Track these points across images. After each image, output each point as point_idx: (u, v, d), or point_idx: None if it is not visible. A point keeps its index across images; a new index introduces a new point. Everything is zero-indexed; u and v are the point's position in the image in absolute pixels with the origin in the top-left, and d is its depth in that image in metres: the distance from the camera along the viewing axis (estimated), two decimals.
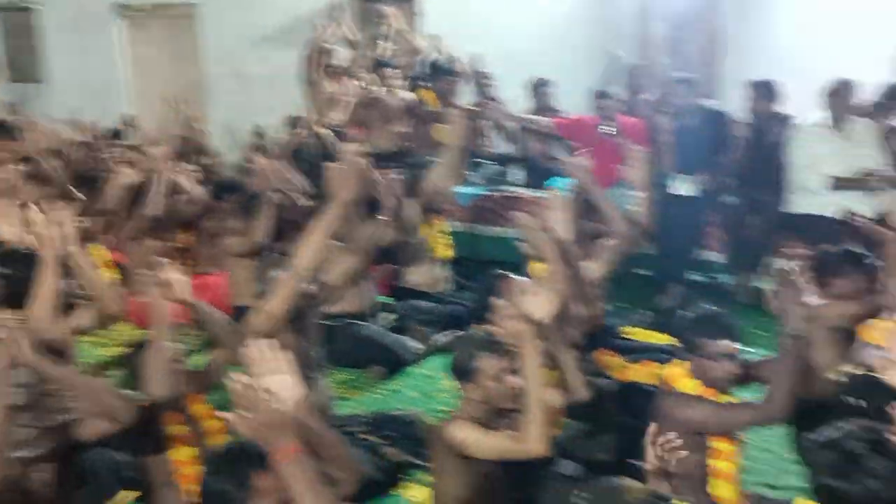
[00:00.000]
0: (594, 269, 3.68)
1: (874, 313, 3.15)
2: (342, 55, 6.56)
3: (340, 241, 4.05)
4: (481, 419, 2.61)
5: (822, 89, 5.00)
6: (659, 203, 5.40)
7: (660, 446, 2.30)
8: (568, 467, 3.08)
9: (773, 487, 3.31)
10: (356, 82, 6.19)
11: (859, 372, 2.48)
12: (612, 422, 3.36)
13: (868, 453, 1.84)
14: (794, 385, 2.64)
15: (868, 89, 5.28)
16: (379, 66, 6.43)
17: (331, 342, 3.90)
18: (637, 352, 4.09)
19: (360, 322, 4.48)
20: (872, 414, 2.28)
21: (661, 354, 3.93)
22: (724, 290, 5.71)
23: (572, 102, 6.40)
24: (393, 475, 3.40)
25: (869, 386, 2.36)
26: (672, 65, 6.57)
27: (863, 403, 2.35)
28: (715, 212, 5.65)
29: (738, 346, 2.76)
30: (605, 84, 6.09)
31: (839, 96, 4.94)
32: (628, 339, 4.43)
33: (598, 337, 4.03)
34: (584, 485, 2.95)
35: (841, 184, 4.89)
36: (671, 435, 2.34)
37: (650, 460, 2.33)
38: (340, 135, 5.60)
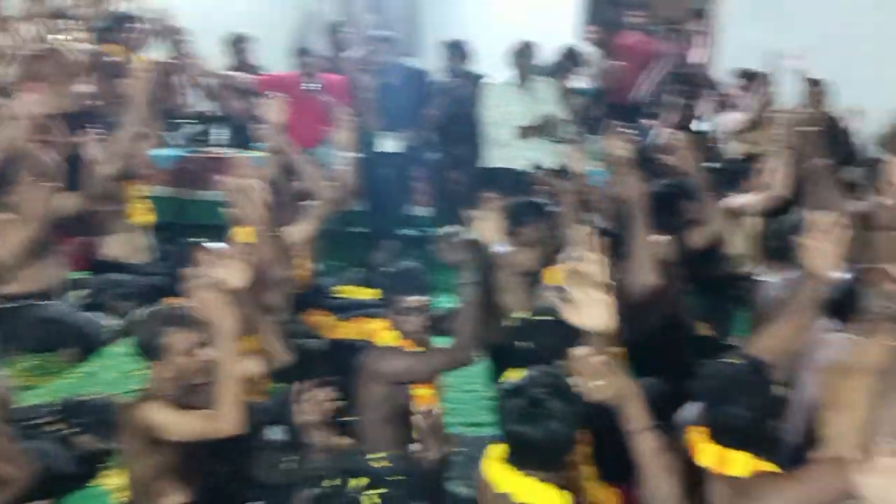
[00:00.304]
0: (298, 231, 3.62)
1: (556, 258, 3.42)
2: (12, 2, 5.82)
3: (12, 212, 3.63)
4: (174, 397, 2.48)
5: (508, 50, 5.31)
6: (366, 160, 5.49)
7: (313, 401, 2.34)
8: (276, 433, 3.04)
9: (474, 426, 3.53)
10: (29, 33, 5.52)
11: (530, 316, 2.67)
12: (322, 382, 3.35)
13: (549, 398, 1.98)
14: (476, 330, 2.79)
15: (548, 51, 5.70)
16: (57, 15, 5.79)
17: (10, 326, 3.51)
18: (348, 309, 4.13)
19: (44, 301, 4.07)
20: (544, 356, 2.48)
21: (371, 310, 4.00)
22: (433, 244, 5.94)
23: (273, 59, 6.24)
24: (89, 465, 3.15)
25: (540, 329, 2.55)
26: (374, 22, 6.63)
27: (532, 346, 2.53)
28: (420, 167, 5.84)
29: (427, 299, 2.86)
30: (307, 41, 6.00)
31: (523, 57, 5.28)
32: (340, 298, 4.46)
33: (309, 297, 4.03)
34: (292, 449, 2.92)
35: (527, 133, 5.26)
36: (322, 390, 2.39)
37: (307, 415, 2.36)
38: (7, 92, 4.97)
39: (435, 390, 2.97)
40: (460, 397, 3.71)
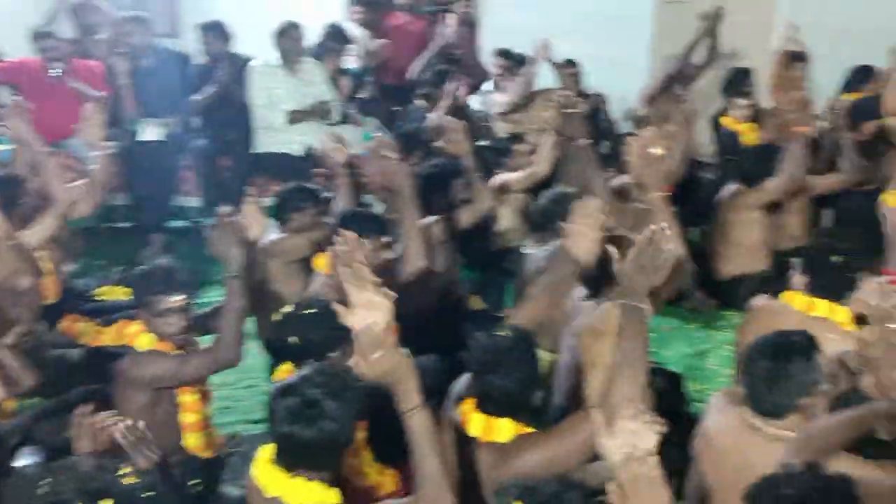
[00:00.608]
0: (36, 232, 3.27)
1: (326, 243, 3.36)
2: None
3: None
4: None
5: (273, 31, 5.16)
6: (126, 150, 5.13)
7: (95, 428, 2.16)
8: (27, 457, 2.77)
9: (253, 423, 3.41)
10: None
11: (296, 309, 2.60)
12: (80, 394, 3.09)
13: (324, 397, 1.91)
14: (241, 326, 2.69)
15: (315, 31, 5.60)
16: None
17: None
18: (108, 312, 3.83)
19: None
20: (315, 349, 2.43)
21: (133, 312, 3.74)
22: (204, 235, 5.68)
23: (13, 44, 5.64)
24: None
25: (306, 321, 2.49)
26: (127, 3, 6.18)
27: (296, 341, 2.47)
28: (186, 155, 5.55)
29: (184, 297, 2.71)
30: (50, 23, 5.49)
31: (288, 37, 5.14)
32: (101, 301, 4.14)
33: (64, 304, 3.70)
34: (47, 471, 2.66)
35: (297, 117, 5.14)
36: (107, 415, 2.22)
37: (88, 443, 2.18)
38: None
39: (203, 392, 2.83)
40: (238, 394, 3.59)
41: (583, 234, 2.44)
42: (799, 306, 2.75)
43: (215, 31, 5.38)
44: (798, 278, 2.80)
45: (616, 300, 2.08)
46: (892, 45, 4.79)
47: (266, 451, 2.00)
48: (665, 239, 2.03)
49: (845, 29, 5.88)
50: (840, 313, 2.71)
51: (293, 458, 1.94)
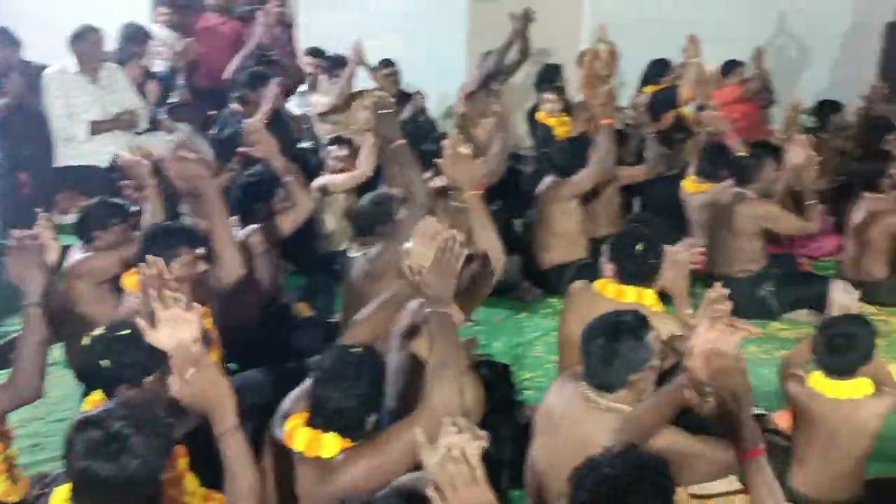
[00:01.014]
0: None
1: (136, 261, 3.16)
2: None
3: None
4: None
5: (69, 35, 4.82)
6: None
7: None
8: None
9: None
10: None
11: (105, 331, 2.42)
12: None
13: (128, 431, 1.76)
14: (41, 358, 2.47)
15: (112, 35, 5.28)
16: None
17: None
18: None
19: None
20: (129, 374, 2.28)
21: None
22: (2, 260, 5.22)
23: None
24: None
25: (118, 344, 2.32)
26: None
27: (109, 364, 2.31)
28: None
29: None
30: None
31: (86, 42, 4.82)
32: None
33: None
34: None
35: (100, 128, 4.84)
36: None
37: None
38: None
39: (1, 432, 2.58)
40: (47, 429, 3.32)
41: (422, 254, 2.30)
42: (610, 294, 2.87)
43: (1, 38, 4.94)
44: (607, 266, 2.92)
45: (424, 309, 2.10)
46: (684, 36, 5.16)
47: (62, 491, 1.85)
48: (458, 244, 2.08)
49: (643, 22, 6.27)
50: (647, 297, 2.85)
51: (89, 498, 1.79)
